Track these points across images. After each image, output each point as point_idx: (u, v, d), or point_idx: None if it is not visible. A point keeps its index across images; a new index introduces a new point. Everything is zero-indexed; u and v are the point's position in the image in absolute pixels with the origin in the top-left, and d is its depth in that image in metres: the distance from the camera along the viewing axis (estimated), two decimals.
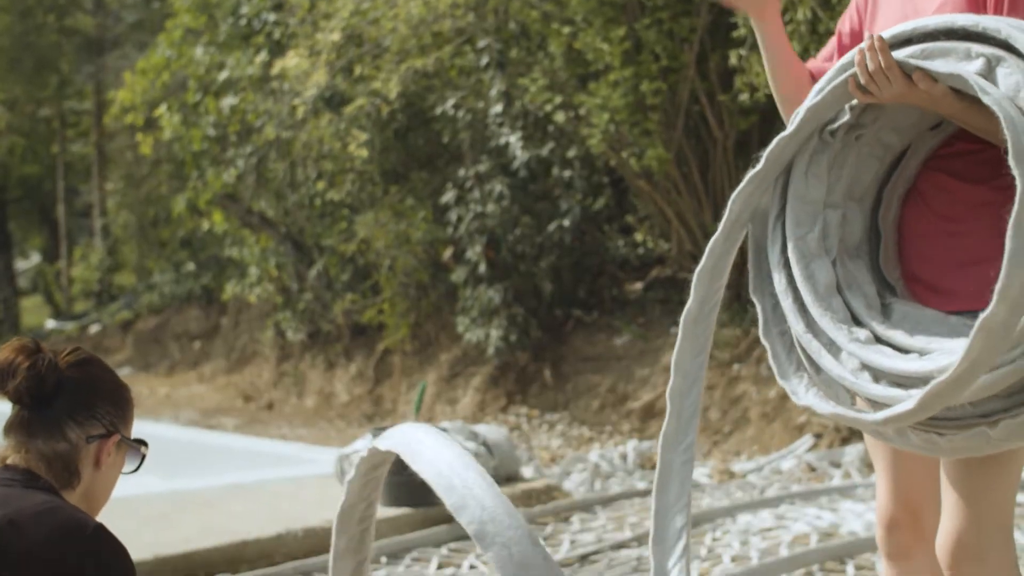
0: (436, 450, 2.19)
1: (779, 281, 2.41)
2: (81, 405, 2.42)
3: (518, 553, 1.96)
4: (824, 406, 2.29)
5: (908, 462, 2.75)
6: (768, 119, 9.37)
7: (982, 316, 2.02)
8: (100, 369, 2.50)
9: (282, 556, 5.89)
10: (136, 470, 2.56)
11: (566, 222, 11.03)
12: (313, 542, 6.00)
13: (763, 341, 2.47)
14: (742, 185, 2.51)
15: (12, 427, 2.43)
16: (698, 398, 2.61)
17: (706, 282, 2.58)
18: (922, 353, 2.20)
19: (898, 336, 2.24)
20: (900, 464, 2.76)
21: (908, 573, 2.82)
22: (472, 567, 5.74)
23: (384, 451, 2.38)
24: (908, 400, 2.10)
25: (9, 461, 2.39)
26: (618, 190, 11.58)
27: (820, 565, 5.44)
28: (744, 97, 8.75)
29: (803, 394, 2.34)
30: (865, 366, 2.23)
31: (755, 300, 2.49)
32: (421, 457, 2.20)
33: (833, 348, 2.29)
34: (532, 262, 11.22)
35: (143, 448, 2.53)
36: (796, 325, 2.35)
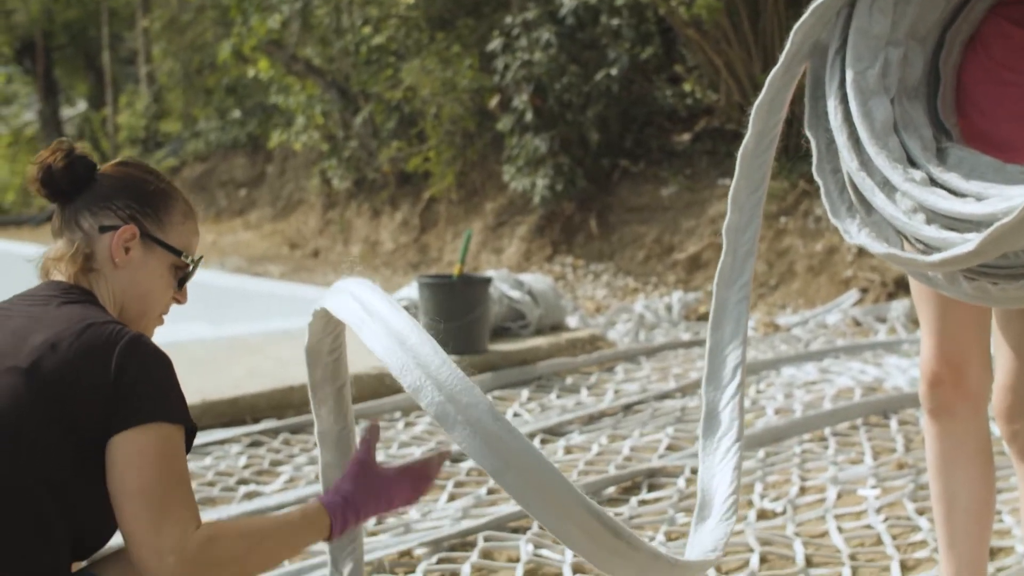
0: (387, 321, 2.10)
1: (835, 117, 2.34)
2: (99, 197, 2.39)
3: (482, 431, 1.92)
4: (877, 246, 2.24)
5: (954, 316, 2.72)
6: None
7: None
8: (138, 170, 2.47)
9: None
10: (181, 284, 2.50)
11: (614, 71, 10.90)
12: (358, 387, 6.02)
13: (816, 177, 2.41)
14: (804, 17, 2.43)
15: (53, 232, 2.44)
16: (755, 235, 2.55)
17: (764, 116, 2.51)
18: (979, 198, 2.14)
19: (953, 180, 2.19)
20: (946, 318, 2.73)
21: (951, 430, 2.80)
22: (516, 414, 5.78)
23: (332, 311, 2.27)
24: (966, 243, 2.05)
25: (51, 276, 2.39)
26: (667, 39, 11.42)
27: (863, 419, 5.45)
28: None
29: (855, 233, 2.28)
30: (919, 207, 2.17)
31: (810, 135, 2.43)
32: (371, 328, 2.12)
33: (887, 187, 2.23)
34: (579, 111, 11.11)
35: (184, 258, 2.46)
36: (850, 162, 2.29)
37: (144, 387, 2.19)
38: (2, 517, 2.11)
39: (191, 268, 2.48)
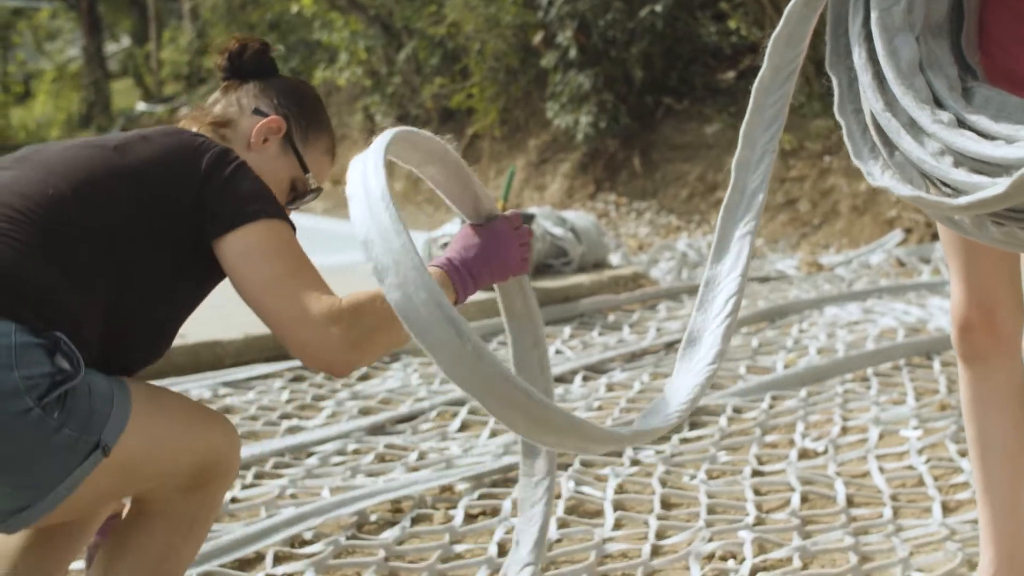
0: (364, 182, 2.03)
1: (859, 55, 2.28)
2: (269, 88, 2.55)
3: (415, 296, 1.92)
4: (903, 188, 2.20)
5: (983, 261, 2.69)
6: None
7: None
8: (311, 90, 2.65)
9: None
10: (293, 204, 2.56)
11: (658, 7, 10.81)
12: None
13: (838, 118, 2.34)
14: None
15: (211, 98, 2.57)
16: (766, 173, 2.47)
17: (781, 49, 2.44)
18: (1008, 140, 2.10)
19: (982, 121, 2.14)
20: (975, 263, 2.70)
21: (984, 375, 2.78)
22: (558, 351, 5.79)
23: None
24: (995, 186, 2.02)
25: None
26: None
27: (906, 360, 5.43)
28: None
29: (879, 175, 2.23)
30: (947, 150, 2.13)
31: (831, 75, 2.37)
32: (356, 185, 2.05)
33: (914, 129, 2.18)
34: (623, 48, 11.04)
35: (308, 177, 2.54)
36: (875, 103, 2.23)
37: (240, 190, 2.26)
38: (54, 243, 2.15)
39: (308, 192, 2.56)
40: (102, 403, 2.15)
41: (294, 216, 2.42)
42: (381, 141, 2.13)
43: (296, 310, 2.19)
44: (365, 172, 2.01)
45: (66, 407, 2.08)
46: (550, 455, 2.60)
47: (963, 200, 2.05)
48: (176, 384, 5.10)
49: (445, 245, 7.03)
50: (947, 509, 3.70)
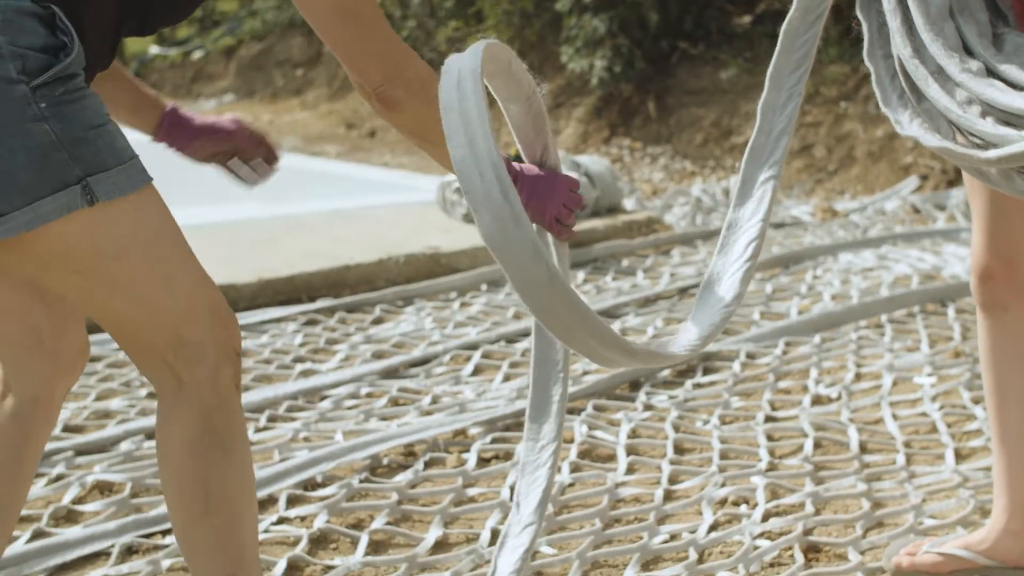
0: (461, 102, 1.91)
1: (888, 0, 2.27)
2: None
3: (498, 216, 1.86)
4: (930, 139, 2.18)
5: (1007, 211, 2.67)
6: None
7: None
8: None
9: (383, 281, 5.97)
10: None
11: None
12: (414, 268, 6.06)
13: (867, 63, 2.32)
14: None
15: None
16: (792, 115, 2.44)
17: None
18: None
19: (1012, 71, 2.11)
20: (998, 213, 2.68)
21: (1003, 323, 2.77)
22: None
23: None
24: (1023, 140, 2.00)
25: None
26: None
27: (920, 307, 5.41)
28: None
29: (907, 124, 2.21)
30: (974, 99, 2.11)
31: (861, 18, 2.34)
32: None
33: (941, 77, 2.15)
34: None
35: None
36: (903, 49, 2.20)
37: None
38: None
39: None
40: (107, 146, 1.98)
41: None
42: (478, 55, 2.04)
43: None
44: (463, 90, 1.94)
45: (59, 107, 1.90)
46: (558, 420, 2.59)
47: (992, 154, 2.03)
48: None
49: (459, 189, 7.01)
50: (960, 456, 3.70)
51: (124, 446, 3.81)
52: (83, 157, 1.92)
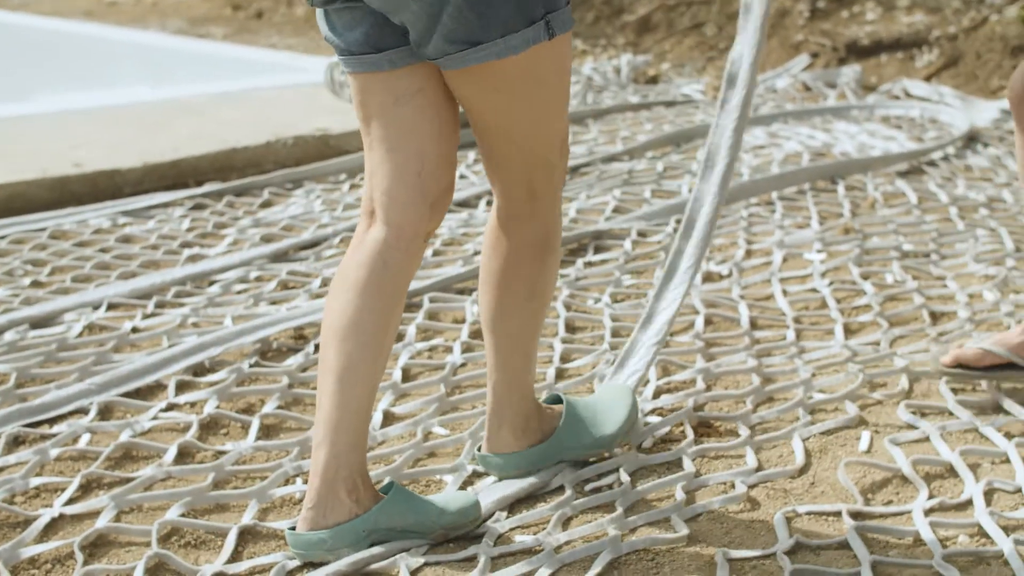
0: None
1: None
2: None
3: None
4: None
5: None
6: None
7: None
8: None
9: (271, 164, 5.88)
10: None
11: None
12: (302, 150, 5.97)
13: None
14: None
15: None
16: None
17: None
18: None
19: None
20: None
21: None
22: (461, 176, 5.74)
23: None
24: None
25: None
26: None
27: (811, 184, 5.44)
28: None
29: None
30: None
31: None
32: None
33: None
34: None
35: None
36: None
37: None
38: None
39: None
40: None
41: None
42: None
43: None
44: None
45: None
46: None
47: None
48: (73, 214, 4.99)
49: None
50: (849, 331, 3.74)
51: (8, 336, 3.73)
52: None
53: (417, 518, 2.47)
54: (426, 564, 2.44)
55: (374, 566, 2.42)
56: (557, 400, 2.90)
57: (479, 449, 2.80)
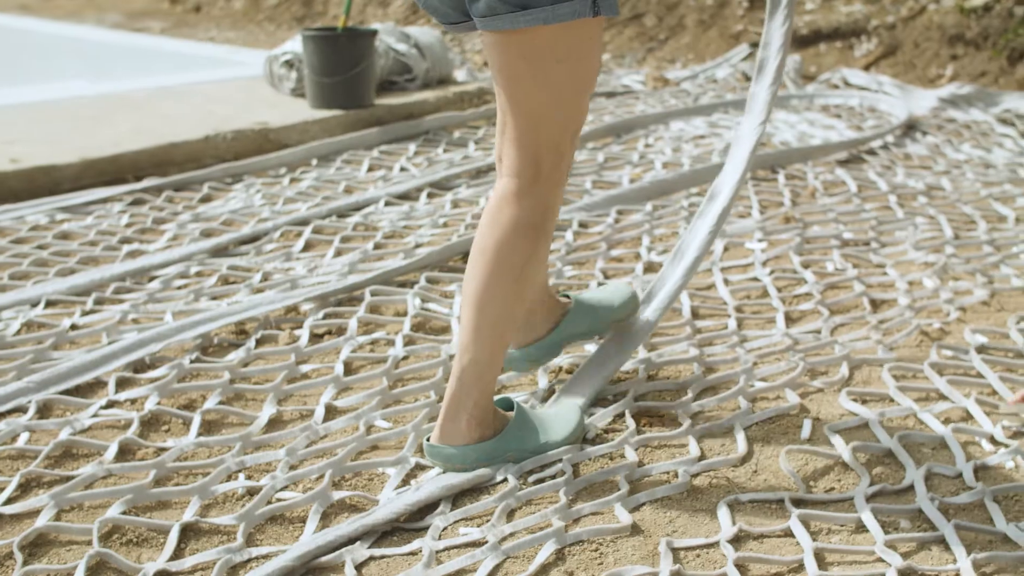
0: None
1: None
2: None
3: None
4: None
5: None
6: None
7: None
8: None
9: (211, 158, 5.84)
10: None
11: None
12: (242, 144, 5.94)
13: None
14: None
15: None
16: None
17: None
18: None
19: None
20: None
21: None
22: (403, 169, 5.73)
23: None
24: None
25: None
26: None
27: (751, 173, 5.46)
28: None
29: None
30: None
31: None
32: None
33: None
34: None
35: None
36: None
37: None
38: None
39: None
40: None
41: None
42: None
43: None
44: None
45: None
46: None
47: None
48: (11, 211, 4.94)
49: (287, 63, 6.88)
50: (790, 320, 3.76)
51: None
52: None
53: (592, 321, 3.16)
54: (371, 558, 2.44)
55: (320, 560, 2.41)
56: (508, 406, 2.89)
57: (427, 439, 2.79)
